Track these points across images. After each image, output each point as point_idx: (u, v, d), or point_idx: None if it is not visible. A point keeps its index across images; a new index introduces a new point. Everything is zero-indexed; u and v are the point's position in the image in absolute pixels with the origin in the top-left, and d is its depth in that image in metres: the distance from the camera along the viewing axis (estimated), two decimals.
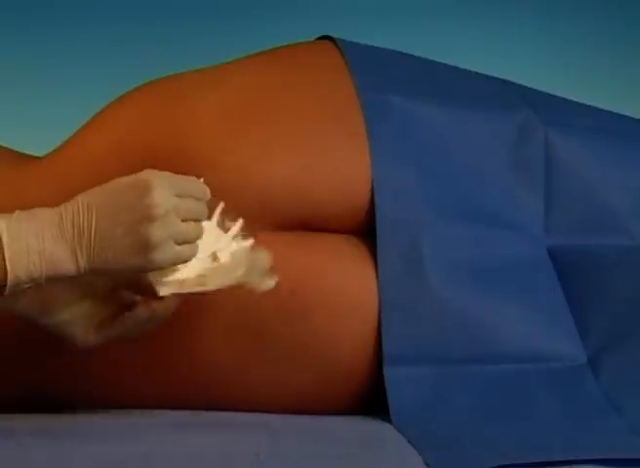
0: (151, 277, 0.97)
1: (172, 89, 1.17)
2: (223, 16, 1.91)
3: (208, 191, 0.97)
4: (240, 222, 1.01)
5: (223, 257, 1.00)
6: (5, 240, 0.89)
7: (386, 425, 1.06)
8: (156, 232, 0.91)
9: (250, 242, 1.01)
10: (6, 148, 1.20)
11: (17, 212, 0.91)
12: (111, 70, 1.83)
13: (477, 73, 1.31)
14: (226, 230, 1.01)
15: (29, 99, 1.88)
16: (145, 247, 0.91)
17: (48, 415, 1.07)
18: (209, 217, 0.99)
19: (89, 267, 0.91)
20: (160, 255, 0.92)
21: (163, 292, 0.97)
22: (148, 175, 0.92)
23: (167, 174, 0.94)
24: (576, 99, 1.33)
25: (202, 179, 0.98)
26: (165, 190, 0.92)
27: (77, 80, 1.87)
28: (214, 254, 1.00)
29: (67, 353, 1.01)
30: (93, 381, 1.08)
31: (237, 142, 1.11)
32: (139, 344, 1.06)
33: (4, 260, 0.89)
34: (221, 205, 1.01)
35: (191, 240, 0.95)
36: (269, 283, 1.00)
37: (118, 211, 0.91)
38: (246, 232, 1.01)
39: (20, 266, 0.89)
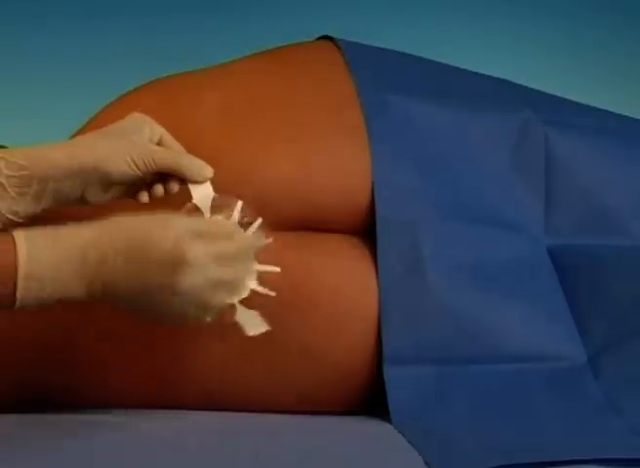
0: None
1: (172, 89, 1.17)
2: (223, 15, 1.91)
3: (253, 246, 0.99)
4: (259, 221, 1.02)
5: None
6: (21, 267, 0.89)
7: (386, 425, 1.06)
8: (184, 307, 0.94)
9: (276, 269, 1.02)
10: (5, 148, 1.20)
11: (41, 233, 0.91)
12: (111, 70, 1.83)
13: (477, 73, 1.31)
14: (245, 226, 1.02)
15: (29, 100, 1.88)
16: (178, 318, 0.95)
17: (47, 415, 1.07)
18: (228, 215, 1.01)
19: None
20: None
21: None
22: (186, 246, 0.92)
23: (210, 237, 0.94)
24: (575, 99, 1.34)
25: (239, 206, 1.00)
26: (199, 268, 0.93)
27: (77, 80, 1.87)
28: None
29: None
30: (91, 381, 1.08)
31: (237, 142, 1.11)
32: (137, 343, 1.06)
33: (15, 286, 0.89)
34: (240, 203, 1.02)
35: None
36: (261, 329, 1.01)
37: (148, 280, 0.92)
38: (263, 231, 1.02)
39: (31, 293, 0.90)
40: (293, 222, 1.11)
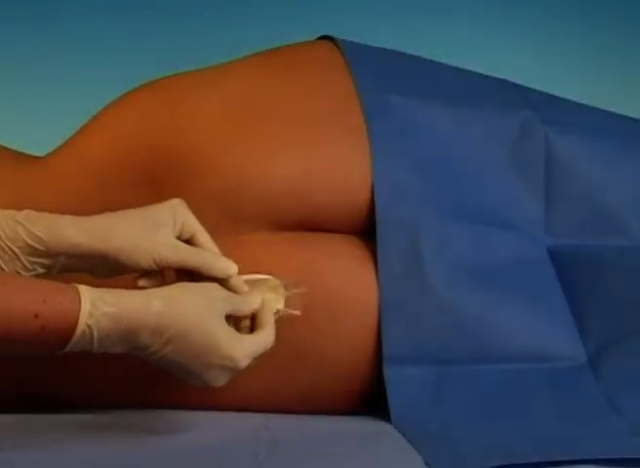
0: None
1: (172, 89, 1.17)
2: (223, 15, 1.91)
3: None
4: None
5: None
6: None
7: (386, 425, 1.06)
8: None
9: (303, 290, 1.02)
10: (6, 148, 1.20)
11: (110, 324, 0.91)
12: (111, 70, 1.83)
13: (477, 73, 1.31)
14: None
15: (29, 100, 1.88)
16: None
17: (47, 415, 1.07)
18: None
19: None
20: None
21: None
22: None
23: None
24: (575, 99, 1.34)
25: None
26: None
27: (77, 80, 1.87)
28: None
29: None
30: (90, 380, 1.08)
31: (237, 143, 1.11)
32: None
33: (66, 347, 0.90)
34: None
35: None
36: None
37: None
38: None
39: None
40: (293, 222, 1.11)
